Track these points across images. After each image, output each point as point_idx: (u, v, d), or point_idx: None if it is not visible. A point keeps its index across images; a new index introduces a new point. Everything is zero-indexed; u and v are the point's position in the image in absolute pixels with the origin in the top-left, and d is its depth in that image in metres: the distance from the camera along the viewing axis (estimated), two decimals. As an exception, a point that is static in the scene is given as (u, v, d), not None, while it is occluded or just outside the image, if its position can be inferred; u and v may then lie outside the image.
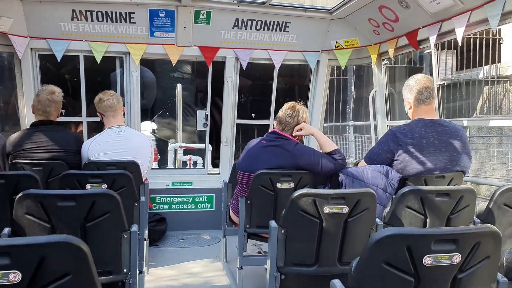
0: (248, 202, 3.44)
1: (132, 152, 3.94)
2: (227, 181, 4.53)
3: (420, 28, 4.36)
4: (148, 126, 7.70)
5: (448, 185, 3.41)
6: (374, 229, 2.67)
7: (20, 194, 2.22)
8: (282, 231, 2.58)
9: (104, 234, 2.35)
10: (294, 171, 3.40)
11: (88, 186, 3.17)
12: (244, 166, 3.62)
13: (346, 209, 2.51)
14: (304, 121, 3.64)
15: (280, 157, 3.45)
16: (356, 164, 3.84)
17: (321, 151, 3.57)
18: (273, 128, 3.69)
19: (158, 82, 8.02)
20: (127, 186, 3.23)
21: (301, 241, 2.59)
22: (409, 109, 3.46)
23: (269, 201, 3.43)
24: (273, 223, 2.61)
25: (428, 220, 2.72)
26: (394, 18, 4.48)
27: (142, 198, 3.44)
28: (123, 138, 3.97)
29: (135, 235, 2.41)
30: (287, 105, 3.66)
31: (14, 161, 3.73)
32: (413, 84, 3.39)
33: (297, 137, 3.64)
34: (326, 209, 2.48)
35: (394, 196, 3.06)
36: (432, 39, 4.13)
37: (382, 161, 3.41)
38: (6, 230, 2.29)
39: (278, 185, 3.37)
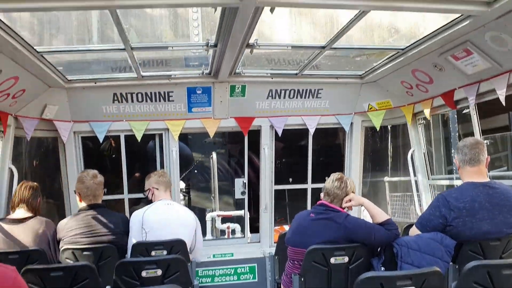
0: (302, 279, 3.37)
1: (180, 223, 4.15)
2: (273, 253, 4.47)
3: (456, 89, 4.35)
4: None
5: (505, 248, 3.32)
6: (443, 307, 2.58)
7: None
8: (350, 317, 2.51)
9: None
10: (347, 245, 3.35)
11: (144, 273, 3.17)
12: (294, 241, 3.55)
13: (414, 290, 2.45)
14: (352, 192, 3.61)
15: (331, 230, 3.40)
16: (407, 229, 3.77)
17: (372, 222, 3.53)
18: (321, 199, 3.67)
19: (191, 149, 8.14)
20: (182, 271, 3.24)
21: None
22: (458, 169, 3.50)
23: (323, 277, 3.36)
24: (339, 308, 2.55)
25: (498, 295, 2.61)
26: (428, 80, 4.50)
27: (195, 282, 3.42)
28: (172, 210, 4.22)
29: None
30: (333, 176, 3.65)
31: (65, 247, 3.78)
32: (460, 145, 3.50)
33: (345, 208, 3.61)
34: (394, 292, 2.42)
35: (459, 270, 2.97)
36: (472, 100, 4.10)
37: (434, 227, 3.36)
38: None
39: (332, 260, 3.32)
